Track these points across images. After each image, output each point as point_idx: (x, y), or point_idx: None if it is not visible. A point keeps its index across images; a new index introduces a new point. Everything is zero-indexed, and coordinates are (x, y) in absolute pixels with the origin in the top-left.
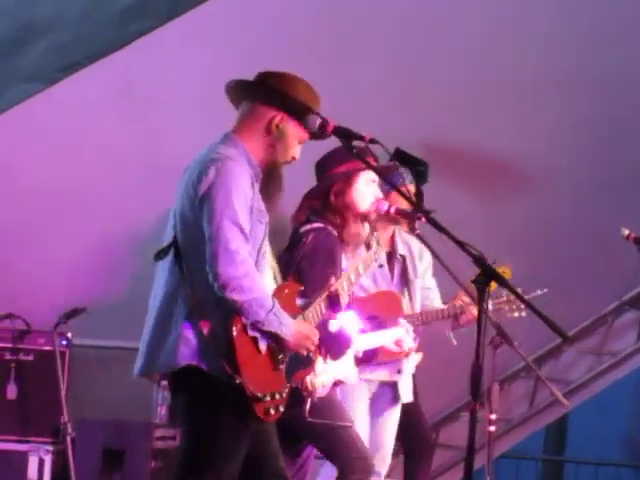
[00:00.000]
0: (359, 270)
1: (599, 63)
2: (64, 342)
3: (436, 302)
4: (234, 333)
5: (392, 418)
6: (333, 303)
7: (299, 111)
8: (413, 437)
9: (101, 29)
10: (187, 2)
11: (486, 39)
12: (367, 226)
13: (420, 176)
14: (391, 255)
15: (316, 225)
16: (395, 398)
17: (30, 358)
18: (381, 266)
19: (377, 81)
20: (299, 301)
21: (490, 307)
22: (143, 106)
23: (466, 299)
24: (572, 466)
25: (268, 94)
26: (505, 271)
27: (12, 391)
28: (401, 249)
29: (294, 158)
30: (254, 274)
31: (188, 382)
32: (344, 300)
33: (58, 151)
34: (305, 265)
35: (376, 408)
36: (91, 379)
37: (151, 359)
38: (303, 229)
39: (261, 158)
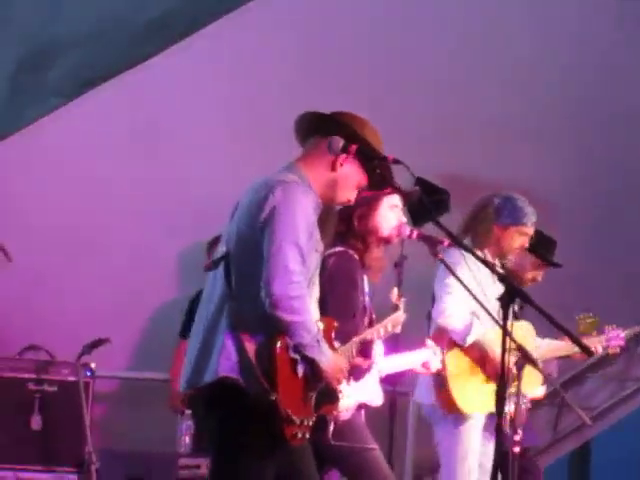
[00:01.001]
0: (388, 328)
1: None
2: (88, 373)
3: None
4: (277, 350)
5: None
6: (365, 350)
7: (373, 158)
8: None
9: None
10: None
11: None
12: (395, 290)
13: (441, 205)
14: None
15: (338, 249)
16: None
17: (54, 389)
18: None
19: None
20: (336, 343)
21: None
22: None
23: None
24: None
25: (340, 130)
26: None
27: (37, 422)
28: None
29: (349, 201)
30: (306, 298)
31: (223, 397)
32: (376, 349)
33: (74, 184)
34: (328, 287)
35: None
36: (115, 410)
37: (197, 372)
38: (326, 253)
39: (320, 193)
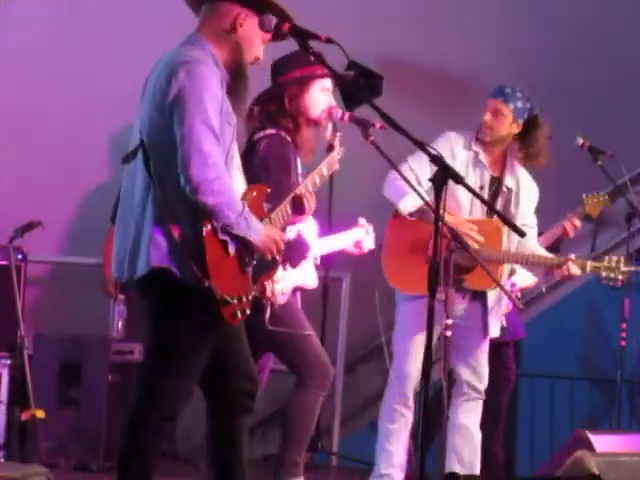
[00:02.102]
0: (323, 172)
1: None
2: (20, 256)
3: (533, 240)
4: (204, 235)
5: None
6: (297, 206)
7: (262, 7)
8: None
9: None
10: None
11: None
12: (330, 126)
13: (374, 89)
14: (498, 183)
15: (269, 132)
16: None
17: None
18: (482, 188)
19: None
20: (265, 205)
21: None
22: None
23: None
24: (527, 380)
25: None
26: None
27: None
28: (509, 180)
29: (258, 58)
30: (225, 177)
31: (157, 285)
32: (310, 203)
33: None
34: (260, 171)
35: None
36: (47, 294)
37: (129, 264)
38: (257, 136)
39: (227, 59)
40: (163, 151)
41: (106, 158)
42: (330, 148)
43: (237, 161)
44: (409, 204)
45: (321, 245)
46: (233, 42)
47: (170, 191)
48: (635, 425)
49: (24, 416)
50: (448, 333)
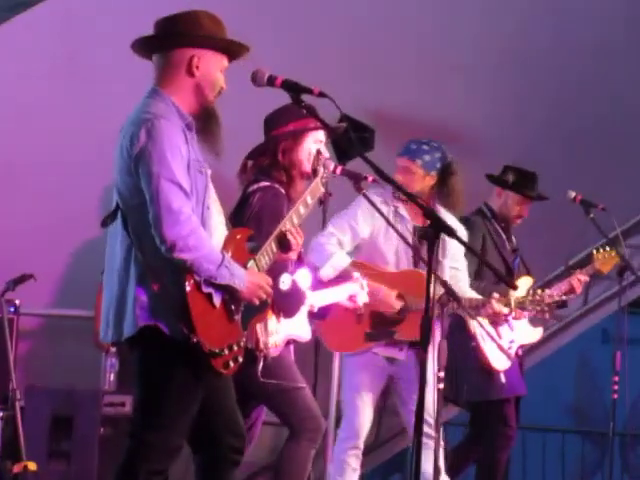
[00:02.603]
0: (307, 201)
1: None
2: (12, 309)
3: (462, 283)
4: (187, 291)
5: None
6: (282, 242)
7: (215, 43)
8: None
9: None
10: None
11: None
12: (314, 151)
13: (365, 142)
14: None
15: (263, 184)
16: None
17: None
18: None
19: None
20: (248, 244)
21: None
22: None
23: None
24: (519, 433)
25: (175, 39)
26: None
27: None
28: None
29: (223, 88)
30: (199, 231)
31: (146, 342)
32: (296, 239)
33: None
34: (253, 225)
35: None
36: (39, 347)
37: (115, 326)
38: (250, 189)
39: (192, 104)
40: (139, 211)
41: (98, 211)
42: (314, 173)
43: (217, 206)
44: (330, 270)
45: (316, 297)
46: (194, 86)
47: (150, 250)
48: (627, 477)
49: (16, 468)
50: (440, 386)
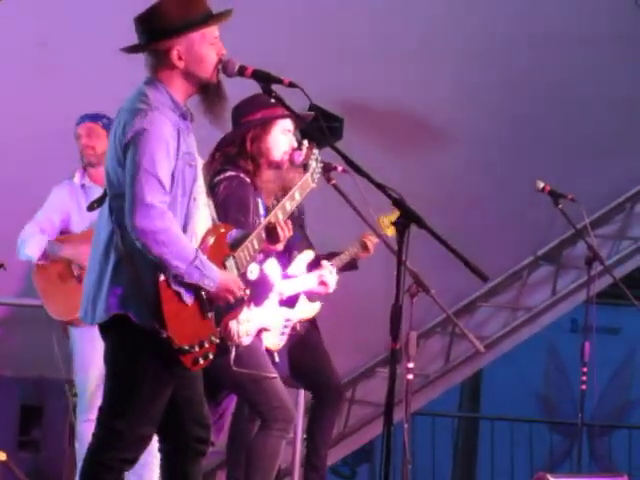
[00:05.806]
0: (295, 197)
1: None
2: None
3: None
4: (159, 285)
5: None
6: (272, 235)
7: (187, 25)
8: (323, 384)
9: None
10: None
11: None
12: (305, 143)
13: (335, 132)
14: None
15: (229, 174)
16: None
17: None
18: None
19: (293, 41)
20: (228, 239)
21: None
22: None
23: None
24: (487, 423)
25: (152, 37)
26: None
27: None
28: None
29: (221, 55)
30: (171, 228)
31: (116, 330)
32: (283, 231)
33: None
34: (221, 214)
35: None
36: (8, 336)
37: (90, 309)
38: (216, 179)
39: (187, 88)
40: (122, 198)
41: None
42: (305, 168)
43: (203, 199)
44: (36, 250)
45: (287, 285)
46: (183, 74)
47: (129, 241)
48: (595, 467)
49: None
50: (410, 376)
